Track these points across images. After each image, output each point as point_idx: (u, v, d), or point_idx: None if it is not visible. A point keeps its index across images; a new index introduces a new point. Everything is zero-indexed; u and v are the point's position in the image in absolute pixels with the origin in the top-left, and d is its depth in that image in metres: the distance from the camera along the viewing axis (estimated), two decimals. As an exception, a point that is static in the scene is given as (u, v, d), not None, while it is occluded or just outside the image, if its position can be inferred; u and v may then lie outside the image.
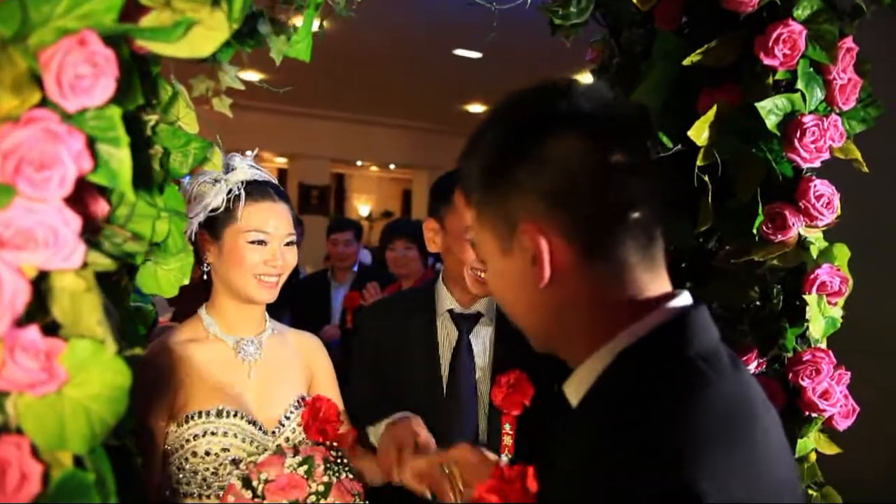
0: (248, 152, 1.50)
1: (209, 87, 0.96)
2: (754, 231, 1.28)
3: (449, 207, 1.57)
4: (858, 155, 1.29)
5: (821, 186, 1.25)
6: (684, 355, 0.72)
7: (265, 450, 1.38)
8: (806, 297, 1.25)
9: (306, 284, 4.11)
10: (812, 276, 1.24)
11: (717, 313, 1.35)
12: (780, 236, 1.26)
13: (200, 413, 1.35)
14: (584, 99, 0.76)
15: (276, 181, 1.50)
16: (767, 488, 0.69)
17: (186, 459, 1.34)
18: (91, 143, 0.67)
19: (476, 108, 8.95)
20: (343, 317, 3.68)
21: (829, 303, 1.26)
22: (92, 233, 0.72)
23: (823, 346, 1.29)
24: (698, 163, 1.27)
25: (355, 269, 3.95)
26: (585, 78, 1.68)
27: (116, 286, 0.88)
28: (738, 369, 0.76)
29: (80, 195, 0.71)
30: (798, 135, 1.20)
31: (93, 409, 0.67)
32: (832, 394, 1.24)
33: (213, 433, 1.34)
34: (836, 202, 1.27)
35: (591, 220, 0.74)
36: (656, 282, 0.76)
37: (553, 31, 1.41)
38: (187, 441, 1.34)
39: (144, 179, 0.88)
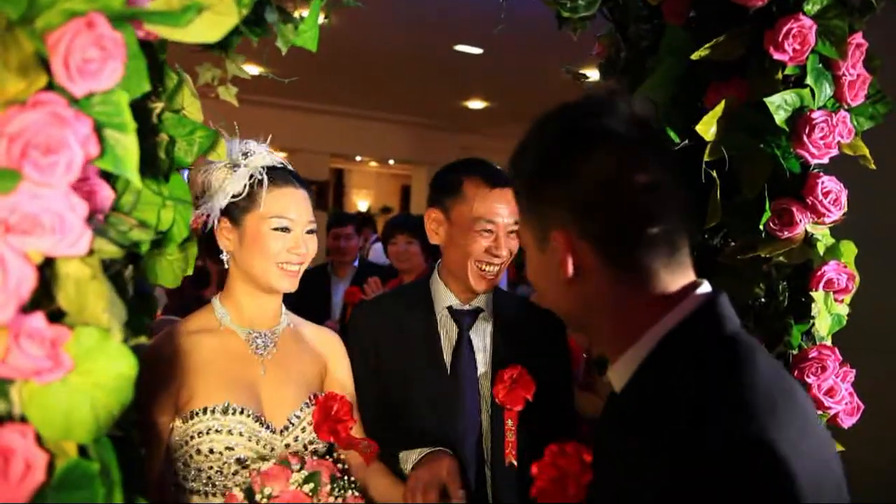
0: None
1: (215, 75, 0.95)
2: (761, 227, 1.27)
3: (456, 198, 1.55)
4: (866, 151, 1.28)
5: (828, 183, 1.25)
6: (722, 334, 0.81)
7: (272, 449, 1.34)
8: (812, 293, 1.25)
9: (306, 279, 4.07)
10: (819, 273, 1.23)
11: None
12: (786, 233, 1.25)
13: (206, 409, 1.31)
14: (619, 118, 0.83)
15: (290, 167, 1.46)
16: (819, 447, 0.76)
17: (191, 456, 1.31)
18: (97, 129, 0.66)
19: (476, 104, 8.92)
20: (344, 312, 3.67)
21: (836, 300, 1.25)
22: (97, 220, 0.71)
23: (829, 343, 1.29)
24: (705, 158, 1.26)
25: (356, 263, 3.94)
26: (591, 73, 1.67)
27: (120, 275, 0.87)
28: (761, 345, 0.84)
29: (86, 181, 0.71)
30: (807, 130, 1.19)
31: (98, 398, 0.66)
32: (837, 391, 1.23)
33: (217, 431, 1.30)
34: (844, 199, 1.26)
35: (616, 231, 0.82)
36: (679, 279, 0.83)
37: (560, 24, 1.40)
38: (191, 438, 1.31)
39: (150, 167, 0.88)
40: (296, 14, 1.06)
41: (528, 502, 1.49)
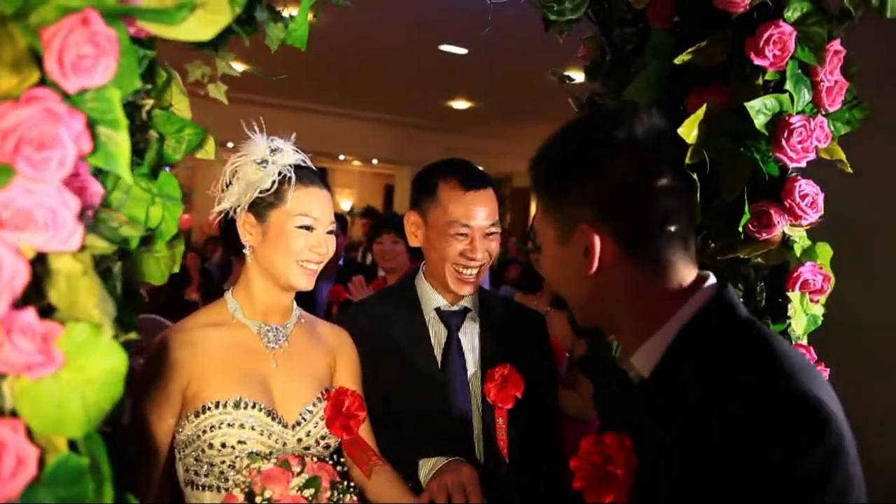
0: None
1: (205, 72, 0.96)
2: (740, 229, 1.30)
3: (432, 202, 1.56)
4: (843, 155, 1.32)
5: (806, 186, 1.28)
6: (740, 319, 0.90)
7: (284, 443, 1.34)
8: (789, 294, 1.28)
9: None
10: (795, 274, 1.27)
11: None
12: (765, 234, 1.28)
13: (217, 403, 1.31)
14: (640, 127, 0.92)
15: (313, 166, 1.47)
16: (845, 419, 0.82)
17: (203, 451, 1.31)
18: (90, 125, 0.66)
19: (460, 104, 8.95)
20: (328, 310, 3.67)
21: (812, 300, 1.28)
22: (88, 216, 0.71)
23: (805, 342, 1.32)
24: (687, 161, 1.28)
25: (340, 262, 3.94)
26: (576, 75, 1.70)
27: (109, 272, 0.87)
28: None
29: (76, 177, 0.71)
30: (785, 135, 1.22)
31: (88, 393, 0.66)
32: (813, 389, 1.26)
33: (229, 425, 1.30)
34: (821, 201, 1.29)
35: (636, 228, 0.91)
36: (692, 272, 0.93)
37: (546, 27, 1.42)
38: (203, 432, 1.31)
39: (141, 164, 0.88)
40: (285, 13, 1.07)
41: (523, 500, 1.51)
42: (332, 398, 1.40)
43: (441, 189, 1.55)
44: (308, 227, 1.37)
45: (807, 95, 1.25)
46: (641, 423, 0.93)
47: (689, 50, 1.24)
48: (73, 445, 0.68)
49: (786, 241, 1.29)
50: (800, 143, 1.23)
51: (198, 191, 1.49)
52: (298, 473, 1.22)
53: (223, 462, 1.30)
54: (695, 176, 1.28)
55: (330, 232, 1.41)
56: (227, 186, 1.39)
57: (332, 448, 1.42)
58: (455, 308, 1.62)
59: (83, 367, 0.66)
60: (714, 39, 1.24)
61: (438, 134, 10.43)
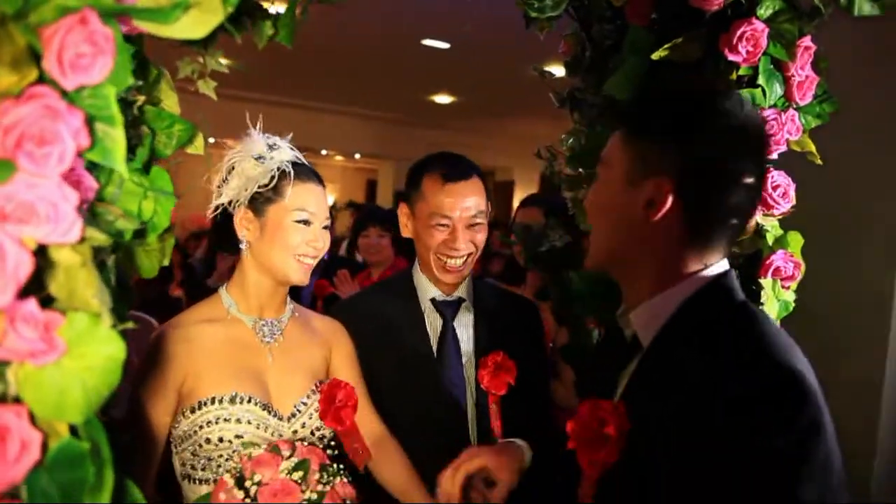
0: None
1: (195, 69, 0.98)
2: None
3: (417, 193, 1.60)
4: (813, 148, 1.36)
5: (778, 177, 1.32)
6: (737, 302, 0.95)
7: (280, 436, 1.36)
8: (762, 281, 1.32)
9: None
10: (768, 262, 1.31)
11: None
12: (739, 224, 1.32)
13: (213, 399, 1.32)
14: (745, 117, 0.94)
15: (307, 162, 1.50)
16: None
17: (200, 446, 1.32)
18: (88, 121, 0.69)
19: (443, 98, 8.96)
20: (313, 305, 3.68)
21: (783, 287, 1.33)
22: (84, 209, 0.73)
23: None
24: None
25: (325, 256, 3.95)
26: (556, 70, 1.73)
27: (104, 264, 0.89)
28: None
29: (72, 172, 0.73)
30: (758, 128, 1.26)
31: (89, 379, 0.69)
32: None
33: (226, 420, 1.32)
34: (792, 192, 1.34)
35: (705, 208, 0.94)
36: (718, 257, 0.98)
37: (527, 23, 1.45)
38: (200, 427, 1.32)
39: (134, 159, 0.90)
40: (272, 9, 1.09)
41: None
42: (325, 391, 1.42)
43: (425, 182, 1.59)
44: (306, 222, 1.40)
45: (779, 90, 1.29)
46: (634, 395, 0.97)
47: (666, 46, 1.28)
48: (73, 432, 0.71)
49: (759, 231, 1.33)
50: (772, 135, 1.27)
51: (179, 187, 1.50)
52: (288, 457, 1.23)
53: (220, 456, 1.32)
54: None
55: (326, 227, 1.44)
56: (225, 182, 1.41)
57: (328, 438, 1.45)
58: (450, 298, 1.66)
59: (84, 355, 0.68)
60: (690, 36, 1.28)
61: (421, 129, 10.43)
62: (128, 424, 1.29)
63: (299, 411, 1.41)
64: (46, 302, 0.69)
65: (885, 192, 1.61)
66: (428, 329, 1.64)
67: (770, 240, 1.31)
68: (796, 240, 1.33)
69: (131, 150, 0.90)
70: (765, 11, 1.25)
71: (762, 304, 1.29)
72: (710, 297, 0.95)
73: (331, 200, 13.35)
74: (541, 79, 1.62)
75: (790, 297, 1.32)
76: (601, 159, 1.05)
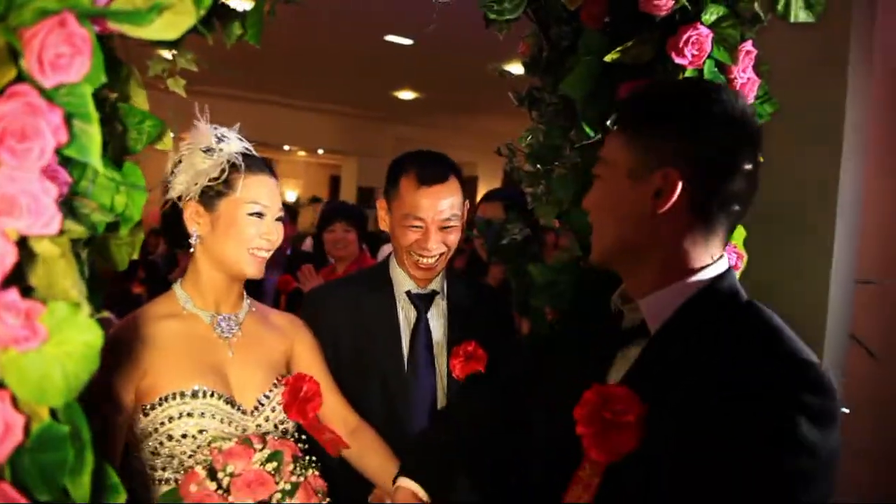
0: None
1: (165, 67, 1.00)
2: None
3: (394, 192, 1.64)
4: (755, 146, 1.45)
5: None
6: (744, 301, 1.00)
7: (244, 430, 1.34)
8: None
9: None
10: (714, 253, 1.39)
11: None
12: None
13: (175, 394, 1.30)
14: (743, 106, 0.99)
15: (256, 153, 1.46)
16: None
17: (162, 443, 1.30)
18: (66, 118, 0.72)
19: (406, 94, 8.97)
20: (276, 300, 3.69)
21: (729, 277, 1.41)
22: (63, 203, 0.76)
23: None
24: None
25: (288, 252, 3.96)
26: (516, 68, 1.79)
27: (77, 257, 0.92)
28: None
29: (48, 167, 0.76)
30: (704, 127, 1.34)
31: (68, 365, 0.72)
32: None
33: (188, 414, 1.29)
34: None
35: (711, 194, 0.97)
36: (720, 249, 1.02)
37: (487, 24, 1.51)
38: (162, 424, 1.29)
39: (105, 154, 0.92)
40: (239, 7, 1.12)
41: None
42: (290, 383, 1.42)
43: (402, 182, 1.63)
44: (259, 215, 1.38)
45: (730, 89, 1.37)
46: (640, 380, 0.98)
47: (618, 49, 1.34)
48: (54, 415, 0.74)
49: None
50: (716, 134, 1.35)
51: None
52: (261, 450, 1.23)
53: (183, 453, 1.29)
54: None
55: (279, 219, 1.42)
56: (173, 176, 1.37)
57: (290, 433, 1.44)
58: (424, 291, 1.71)
59: (63, 342, 0.71)
60: (640, 39, 1.34)
61: (385, 124, 10.44)
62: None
63: (262, 405, 1.40)
64: (27, 292, 0.72)
65: (822, 188, 1.71)
66: (402, 320, 1.69)
67: (715, 232, 1.39)
68: (739, 232, 1.42)
69: (104, 145, 0.92)
70: (709, 17, 1.32)
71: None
72: (719, 291, 0.99)
73: (294, 196, 13.25)
74: (500, 78, 1.68)
75: (733, 285, 1.40)
76: (601, 160, 1.07)
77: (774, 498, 0.85)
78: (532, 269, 1.68)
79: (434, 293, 1.71)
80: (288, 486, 1.22)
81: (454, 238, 1.64)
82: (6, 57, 0.68)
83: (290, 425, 1.44)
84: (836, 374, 0.91)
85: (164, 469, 1.32)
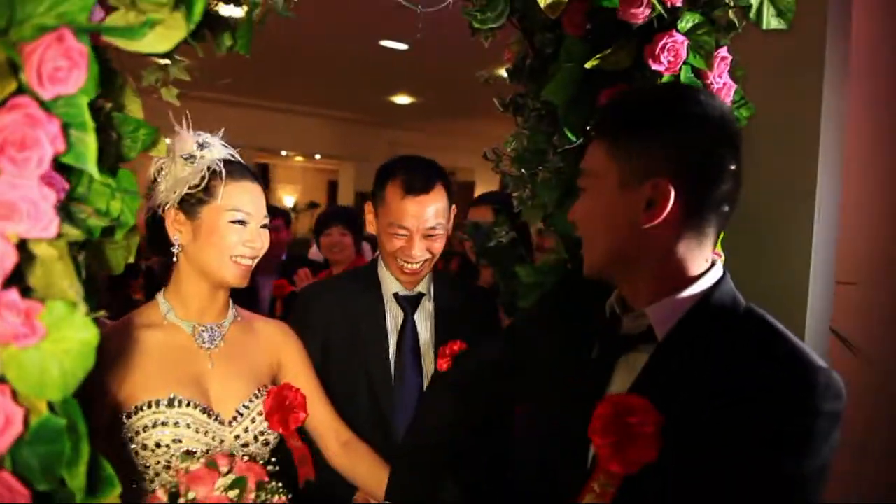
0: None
1: (158, 77, 1.05)
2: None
3: (381, 198, 1.68)
4: (732, 149, 1.49)
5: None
6: (744, 306, 1.01)
7: (222, 441, 1.33)
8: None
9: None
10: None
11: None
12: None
13: (150, 403, 1.29)
14: (725, 108, 1.01)
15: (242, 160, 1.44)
16: None
17: (137, 453, 1.29)
18: (63, 128, 0.76)
19: (402, 99, 9.03)
20: (272, 305, 3.72)
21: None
22: (60, 208, 0.80)
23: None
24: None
25: (283, 257, 3.99)
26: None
27: (74, 260, 0.96)
28: None
29: (47, 174, 0.80)
30: (681, 131, 1.39)
31: (66, 361, 0.76)
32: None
33: (163, 423, 1.28)
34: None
35: (702, 198, 0.98)
36: (711, 252, 1.03)
37: (473, 32, 1.55)
38: (137, 433, 1.28)
39: (100, 161, 0.96)
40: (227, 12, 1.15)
41: None
42: (274, 392, 1.40)
43: (387, 189, 1.67)
44: (241, 222, 1.35)
45: (706, 91, 1.42)
46: (650, 387, 0.96)
47: (597, 56, 1.39)
48: (52, 410, 0.78)
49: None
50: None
51: (140, 190, 1.49)
52: (226, 474, 1.19)
53: (158, 463, 1.28)
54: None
55: (264, 226, 1.40)
56: (154, 184, 1.36)
57: (272, 444, 1.42)
58: (411, 293, 1.75)
59: (61, 339, 0.75)
60: (618, 46, 1.39)
61: (381, 129, 10.49)
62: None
63: (241, 415, 1.38)
64: (27, 292, 0.76)
65: (799, 190, 1.76)
66: (389, 321, 1.73)
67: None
68: (718, 233, 1.46)
69: (100, 153, 0.96)
70: (685, 25, 1.37)
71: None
72: (720, 298, 1.00)
73: (292, 201, 13.29)
74: (486, 84, 1.72)
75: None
76: (583, 172, 1.06)
77: (786, 499, 0.88)
78: (519, 270, 1.72)
79: (421, 295, 1.75)
80: None
81: (439, 245, 1.68)
82: (7, 70, 0.72)
83: (271, 437, 1.42)
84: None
85: (142, 479, 1.31)
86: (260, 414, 1.39)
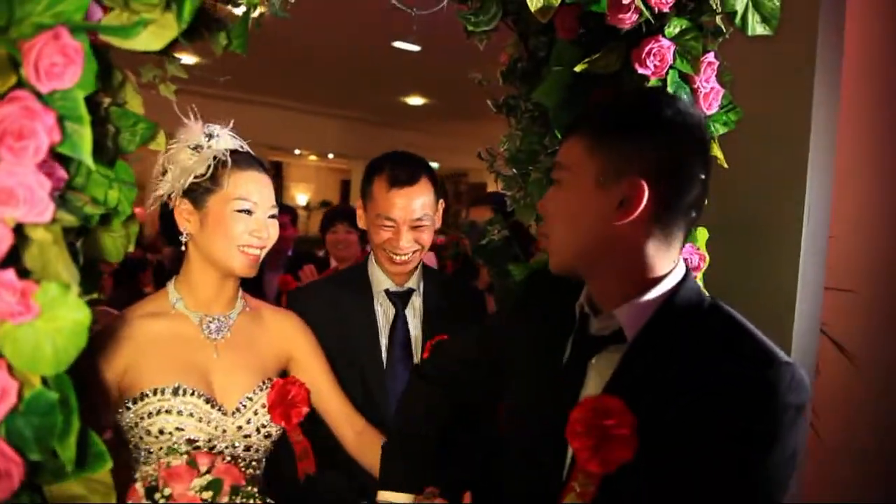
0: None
1: (156, 74, 1.10)
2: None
3: (368, 193, 1.73)
4: (720, 153, 1.52)
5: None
6: (709, 302, 1.04)
7: (224, 431, 1.35)
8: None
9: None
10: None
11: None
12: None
13: (155, 391, 1.31)
14: (699, 117, 1.04)
15: (252, 152, 1.46)
16: None
17: (141, 438, 1.31)
18: (59, 120, 0.81)
19: (415, 100, 9.09)
20: (278, 300, 3.78)
21: (692, 276, 1.49)
22: (58, 196, 0.85)
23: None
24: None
25: (289, 253, 4.06)
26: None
27: (73, 246, 1.01)
28: None
29: (45, 163, 0.85)
30: (668, 133, 1.42)
31: (58, 339, 0.80)
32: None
33: (167, 411, 1.30)
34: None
35: (673, 201, 1.00)
36: (678, 254, 1.06)
37: (468, 35, 1.59)
38: (141, 419, 1.31)
39: (98, 153, 1.02)
40: (228, 18, 1.20)
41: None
42: (277, 386, 1.41)
43: (374, 183, 1.72)
44: (247, 211, 1.37)
45: (686, 100, 1.45)
46: (623, 387, 0.99)
47: (587, 59, 1.42)
48: (46, 385, 0.83)
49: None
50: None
51: (150, 185, 1.51)
52: (203, 474, 1.20)
53: (160, 449, 1.31)
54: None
55: (272, 216, 1.41)
56: (163, 174, 1.38)
57: (274, 437, 1.44)
58: (401, 289, 1.79)
59: (54, 318, 0.80)
60: (607, 50, 1.42)
61: (394, 129, 10.55)
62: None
63: (244, 406, 1.39)
64: (24, 274, 0.81)
65: (788, 193, 1.78)
66: (380, 317, 1.77)
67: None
68: (703, 234, 1.49)
69: (98, 145, 1.01)
70: (672, 30, 1.40)
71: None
72: (686, 295, 1.02)
73: (305, 200, 13.40)
74: (480, 85, 1.76)
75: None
76: (560, 165, 1.07)
77: (757, 490, 0.91)
78: (513, 268, 1.76)
79: (411, 291, 1.80)
80: None
81: (427, 236, 1.72)
82: (7, 66, 0.77)
83: (273, 430, 1.43)
84: (808, 375, 0.95)
85: (145, 462, 1.33)
86: (263, 406, 1.41)
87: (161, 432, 1.31)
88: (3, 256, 0.74)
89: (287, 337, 1.53)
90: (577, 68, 1.44)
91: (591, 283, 1.09)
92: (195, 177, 1.34)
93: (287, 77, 7.89)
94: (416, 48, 6.44)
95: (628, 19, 1.38)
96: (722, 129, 1.53)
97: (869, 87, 2.33)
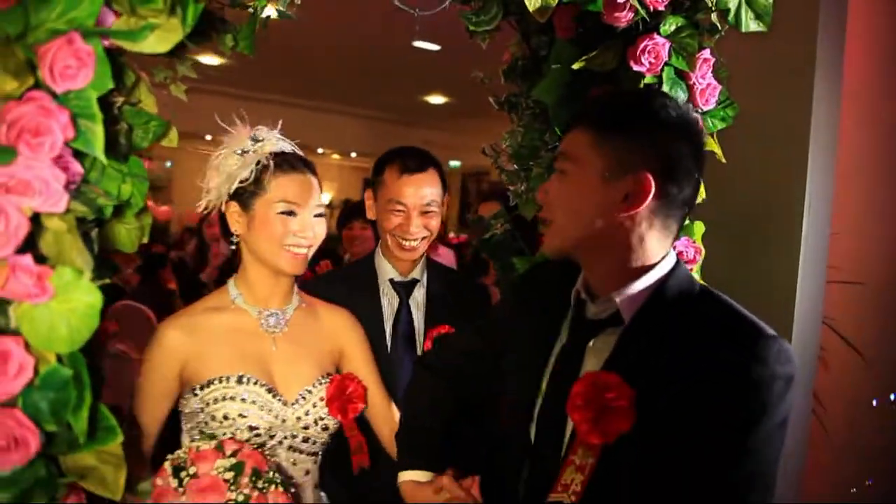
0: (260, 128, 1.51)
1: (168, 74, 1.16)
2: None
3: (380, 182, 1.81)
4: (717, 148, 1.54)
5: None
6: (699, 287, 1.11)
7: (284, 420, 1.40)
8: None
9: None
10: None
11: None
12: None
13: (221, 378, 1.38)
14: (696, 119, 1.11)
15: (301, 153, 1.52)
16: None
17: (206, 423, 1.37)
18: (73, 118, 0.88)
19: (437, 99, 9.13)
20: (297, 294, 3.85)
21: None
22: (71, 188, 0.92)
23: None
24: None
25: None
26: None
27: (87, 236, 1.08)
28: None
29: (61, 158, 0.92)
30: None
31: (72, 320, 0.87)
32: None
33: (231, 398, 1.36)
34: (701, 188, 1.52)
35: (673, 196, 1.06)
36: (671, 244, 1.12)
37: (471, 35, 1.64)
38: (207, 405, 1.37)
39: (112, 149, 1.09)
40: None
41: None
42: (336, 381, 1.47)
43: (386, 172, 1.81)
44: (290, 213, 1.42)
45: (682, 96, 1.47)
46: (620, 365, 1.04)
47: (584, 57, 1.46)
48: (61, 362, 0.90)
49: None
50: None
51: (177, 184, 1.61)
52: (228, 456, 1.23)
53: (224, 434, 1.36)
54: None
55: (319, 215, 1.46)
56: (210, 179, 1.45)
57: (331, 430, 1.48)
58: (406, 279, 1.85)
59: (68, 300, 0.87)
60: (604, 48, 1.46)
61: (416, 129, 10.60)
62: (133, 414, 1.37)
63: (303, 398, 1.44)
64: (40, 260, 0.88)
65: (788, 189, 1.80)
66: (385, 307, 1.83)
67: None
68: (699, 228, 1.52)
69: (112, 142, 1.08)
70: (668, 27, 1.43)
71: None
72: (678, 281, 1.09)
73: (328, 198, 13.52)
74: (482, 84, 1.81)
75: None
76: (565, 156, 1.10)
77: (749, 458, 0.96)
78: (517, 261, 1.80)
79: (415, 281, 1.85)
80: (241, 498, 1.21)
81: (435, 223, 1.80)
82: (25, 68, 0.84)
83: (330, 423, 1.47)
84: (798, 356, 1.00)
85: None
86: (321, 399, 1.45)
87: (225, 418, 1.36)
88: (20, 242, 0.81)
89: (340, 333, 1.58)
90: (575, 66, 1.48)
91: (589, 269, 1.14)
92: (240, 181, 1.40)
93: (310, 77, 7.99)
94: (436, 47, 6.48)
95: (624, 18, 1.41)
96: (720, 125, 1.56)
97: (871, 83, 2.32)
